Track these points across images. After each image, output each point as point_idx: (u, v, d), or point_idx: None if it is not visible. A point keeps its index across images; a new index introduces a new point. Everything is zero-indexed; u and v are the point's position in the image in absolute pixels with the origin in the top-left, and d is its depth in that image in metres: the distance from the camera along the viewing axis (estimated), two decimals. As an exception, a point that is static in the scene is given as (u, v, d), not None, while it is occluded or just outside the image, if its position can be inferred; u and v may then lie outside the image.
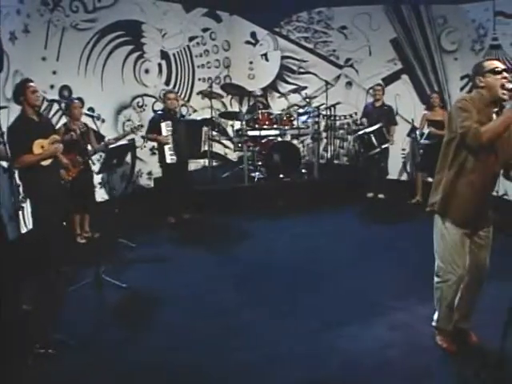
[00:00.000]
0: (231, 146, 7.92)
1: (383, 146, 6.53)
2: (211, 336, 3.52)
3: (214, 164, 8.11)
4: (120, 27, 6.75)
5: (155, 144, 6.44)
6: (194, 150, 6.23)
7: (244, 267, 4.81)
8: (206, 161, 7.38)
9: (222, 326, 3.65)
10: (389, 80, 7.80)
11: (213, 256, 5.16)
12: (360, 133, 6.65)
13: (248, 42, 8.50)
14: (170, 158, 5.91)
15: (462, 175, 2.93)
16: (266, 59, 8.48)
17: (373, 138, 6.46)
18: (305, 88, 7.56)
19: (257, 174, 7.02)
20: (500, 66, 2.91)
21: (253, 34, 8.44)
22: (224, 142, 8.17)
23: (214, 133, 7.63)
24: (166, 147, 5.89)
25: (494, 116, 2.90)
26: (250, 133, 6.86)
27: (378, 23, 7.88)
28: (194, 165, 7.92)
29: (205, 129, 6.76)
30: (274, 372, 3.10)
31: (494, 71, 2.87)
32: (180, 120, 6.20)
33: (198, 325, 3.68)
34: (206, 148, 7.08)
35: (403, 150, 7.71)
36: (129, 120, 6.97)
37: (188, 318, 3.81)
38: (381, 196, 7.11)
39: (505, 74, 2.85)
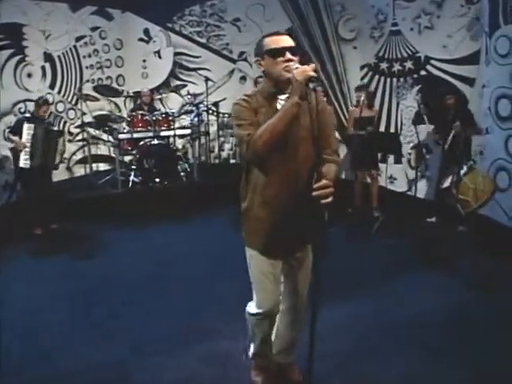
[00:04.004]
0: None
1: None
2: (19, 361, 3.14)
3: (108, 168, 7.83)
4: (-2, 31, 6.43)
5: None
6: (48, 161, 5.74)
7: (89, 282, 4.41)
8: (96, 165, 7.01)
9: (31, 353, 3.26)
10: (284, 72, 7.39)
11: (61, 271, 4.76)
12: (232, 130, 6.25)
13: (141, 40, 8.13)
14: (23, 162, 5.59)
15: (257, 194, 2.28)
16: (159, 56, 8.10)
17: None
18: (184, 86, 7.17)
19: (132, 179, 6.63)
20: (283, 43, 2.14)
21: (146, 31, 8.06)
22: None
23: (107, 136, 7.30)
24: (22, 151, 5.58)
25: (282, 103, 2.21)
26: (121, 136, 6.50)
27: (272, 13, 7.52)
28: (83, 170, 7.63)
29: (61, 141, 6.02)
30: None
31: (272, 52, 2.13)
32: (42, 125, 5.87)
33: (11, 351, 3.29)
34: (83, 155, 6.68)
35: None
36: (9, 127, 6.66)
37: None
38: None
39: (288, 56, 2.11)
